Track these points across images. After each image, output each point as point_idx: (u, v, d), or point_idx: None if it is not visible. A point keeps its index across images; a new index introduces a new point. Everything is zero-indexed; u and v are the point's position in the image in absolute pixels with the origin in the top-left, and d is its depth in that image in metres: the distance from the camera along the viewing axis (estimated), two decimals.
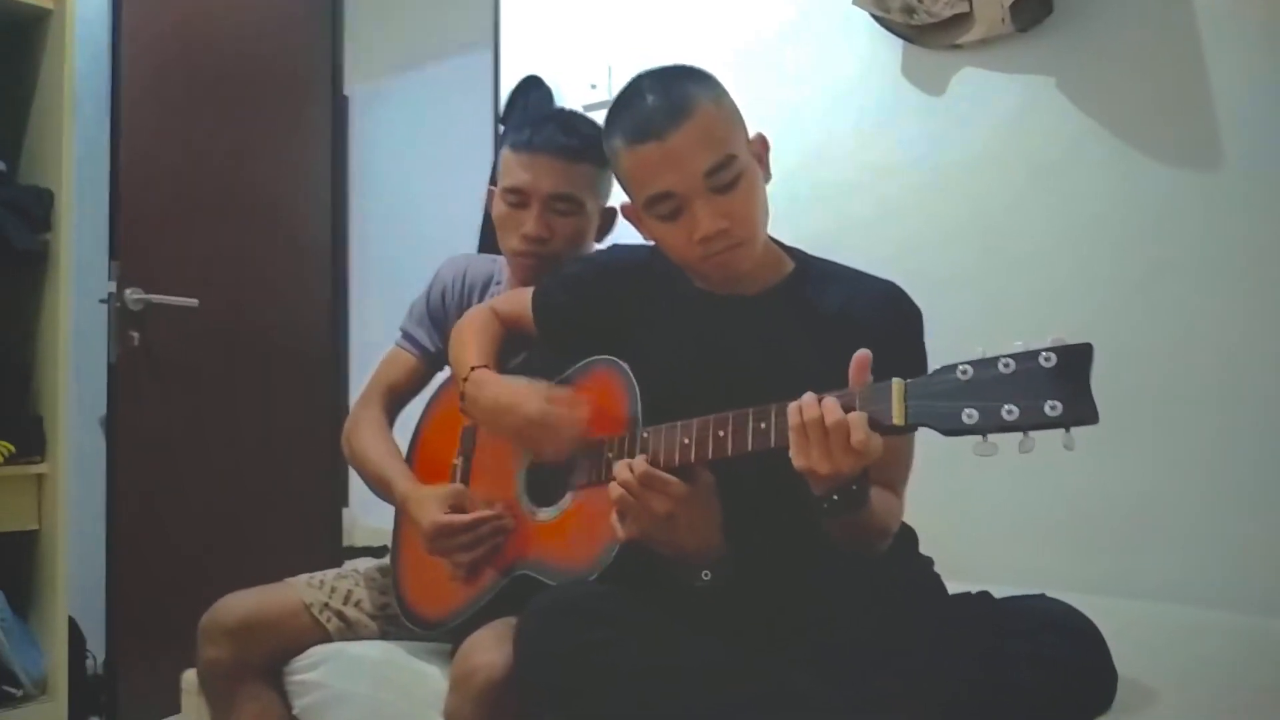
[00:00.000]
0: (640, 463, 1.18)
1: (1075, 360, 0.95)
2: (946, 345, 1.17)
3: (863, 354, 1.06)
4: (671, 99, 1.25)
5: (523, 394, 1.35)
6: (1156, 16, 1.89)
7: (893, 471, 1.29)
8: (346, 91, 3.48)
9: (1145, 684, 1.32)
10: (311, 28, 3.06)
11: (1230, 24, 1.83)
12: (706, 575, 1.23)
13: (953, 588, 1.29)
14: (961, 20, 2.06)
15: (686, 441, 1.20)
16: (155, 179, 2.63)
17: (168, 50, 2.66)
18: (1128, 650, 1.25)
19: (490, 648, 1.25)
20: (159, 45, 2.63)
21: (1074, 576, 1.80)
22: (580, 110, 2.54)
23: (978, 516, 1.96)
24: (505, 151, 1.63)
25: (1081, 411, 0.92)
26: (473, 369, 1.42)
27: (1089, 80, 1.96)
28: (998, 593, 1.22)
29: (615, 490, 1.19)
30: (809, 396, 1.06)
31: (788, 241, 1.44)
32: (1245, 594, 1.73)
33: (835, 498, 1.11)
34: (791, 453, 1.06)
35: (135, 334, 2.53)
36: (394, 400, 1.72)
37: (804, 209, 2.08)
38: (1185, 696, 1.30)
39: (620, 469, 1.19)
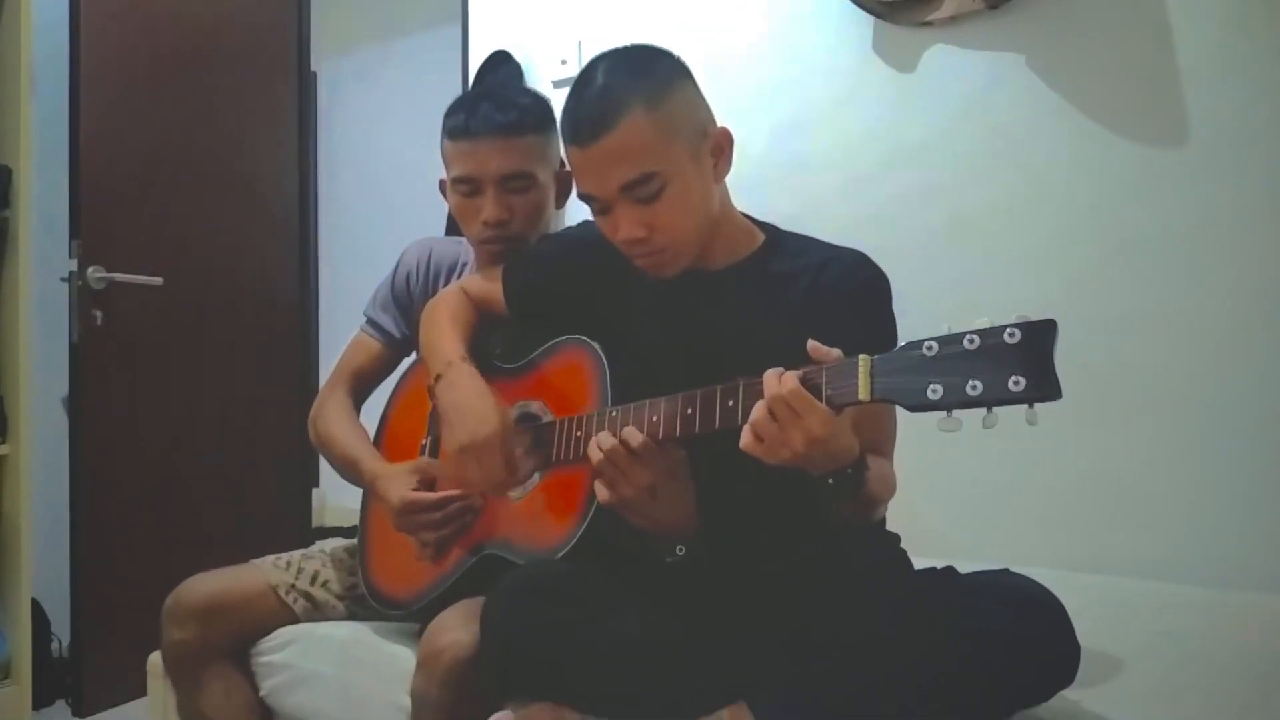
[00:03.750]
0: (633, 431, 1.18)
1: (1039, 337, 0.95)
2: (915, 320, 1.17)
3: (815, 346, 1.07)
4: (603, 102, 1.23)
5: (487, 413, 1.33)
6: None
7: (881, 437, 1.30)
8: (314, 67, 3.44)
9: (1110, 656, 1.34)
10: (277, 2, 3.01)
11: (1198, 1, 1.83)
12: (680, 550, 1.24)
13: (919, 564, 1.30)
14: None
15: (655, 419, 1.20)
16: (117, 156, 2.58)
17: (128, 25, 2.61)
18: (1093, 624, 1.28)
19: (457, 627, 1.24)
20: (119, 20, 2.58)
21: (1040, 552, 1.81)
22: (551, 86, 2.54)
23: (945, 493, 1.97)
24: (445, 141, 1.58)
25: (1044, 388, 0.93)
26: (450, 363, 1.40)
27: (1058, 57, 1.97)
28: (963, 568, 1.23)
29: (595, 455, 1.19)
30: (769, 378, 1.06)
31: (754, 212, 1.43)
32: (1208, 568, 1.75)
33: (831, 481, 1.11)
34: (746, 442, 1.07)
35: (98, 313, 2.49)
36: (360, 385, 1.70)
37: (775, 184, 2.08)
38: (1148, 668, 1.32)
39: (604, 437, 1.19)
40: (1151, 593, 1.67)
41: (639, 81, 1.24)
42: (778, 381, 1.06)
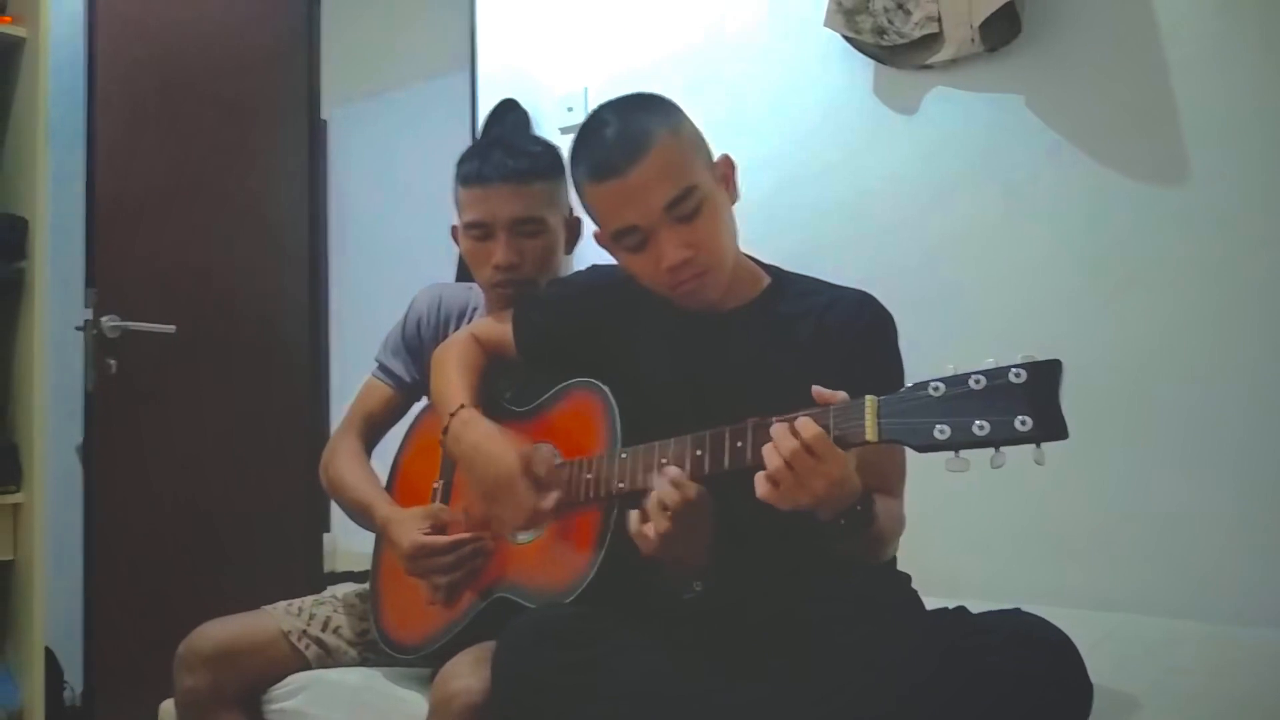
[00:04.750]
0: (686, 481, 1.17)
1: (1045, 376, 0.96)
2: (921, 362, 1.19)
3: (819, 391, 1.08)
4: (630, 134, 1.26)
5: (502, 450, 1.34)
6: (1121, 34, 1.93)
7: (890, 477, 1.30)
8: (324, 115, 3.49)
9: (1122, 694, 1.34)
10: (288, 52, 3.06)
11: (1193, 40, 1.87)
12: (698, 586, 1.24)
13: (930, 604, 1.30)
14: (932, 40, 2.10)
15: (664, 461, 1.21)
16: (131, 205, 2.62)
17: (142, 76, 2.65)
18: (1104, 662, 1.27)
19: (468, 672, 1.24)
20: (134, 72, 2.63)
21: (1049, 590, 1.81)
22: (559, 133, 2.58)
23: (955, 532, 1.97)
24: (458, 187, 1.61)
25: (1051, 427, 0.94)
26: (461, 407, 1.41)
27: (1057, 98, 1.99)
28: (974, 608, 1.23)
29: (664, 489, 1.17)
30: (780, 430, 1.07)
31: (762, 255, 1.45)
32: (1218, 605, 1.74)
33: (843, 521, 1.12)
34: (763, 491, 1.07)
35: (112, 361, 2.52)
36: (371, 430, 1.71)
37: (780, 228, 2.10)
38: (1160, 705, 1.31)
39: (662, 483, 1.17)
40: (1163, 630, 1.66)
41: (654, 115, 1.29)
42: (788, 433, 1.06)
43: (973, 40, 2.03)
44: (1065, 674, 1.05)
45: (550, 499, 1.32)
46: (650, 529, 1.17)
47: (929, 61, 2.11)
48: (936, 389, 1.01)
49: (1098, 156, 1.95)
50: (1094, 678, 1.09)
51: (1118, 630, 1.64)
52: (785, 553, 1.25)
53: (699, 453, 1.19)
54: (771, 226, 1.98)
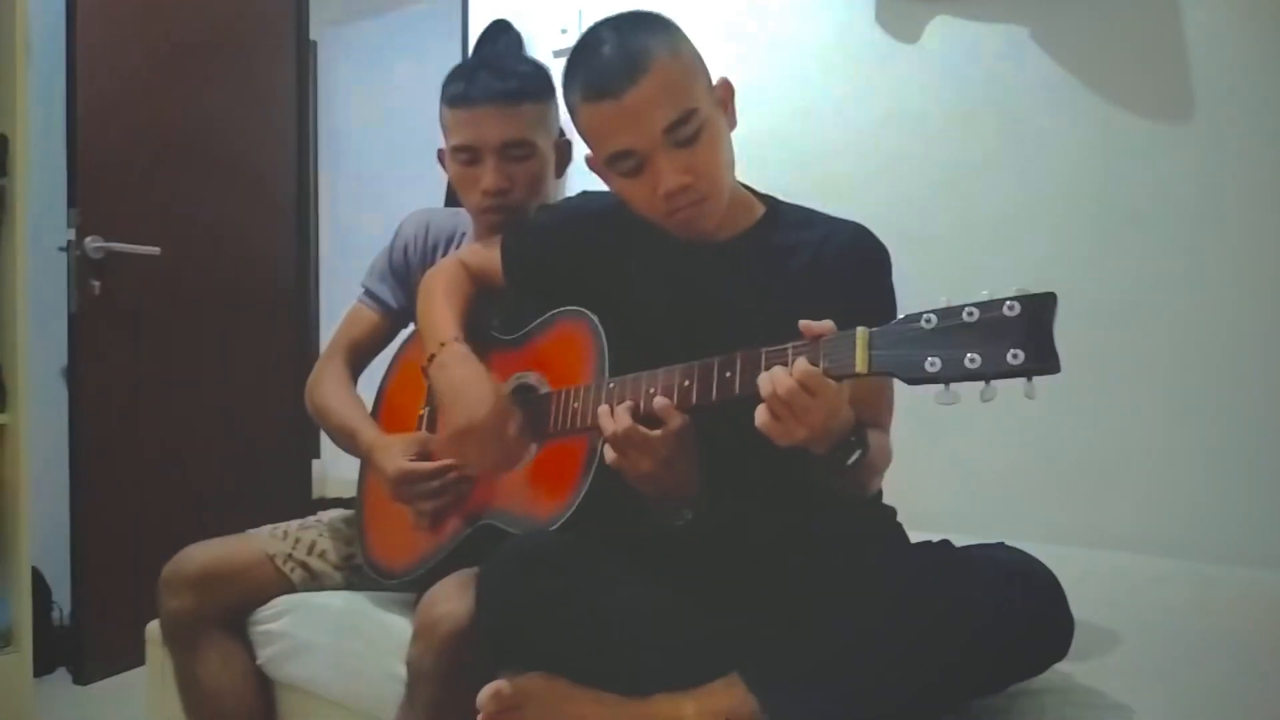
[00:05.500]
0: (624, 418, 1.17)
1: (1039, 309, 0.94)
2: (915, 291, 1.17)
3: (806, 325, 1.06)
4: (628, 53, 1.21)
5: (482, 394, 1.31)
6: None
7: (878, 409, 1.30)
8: (313, 36, 3.41)
9: (1105, 630, 1.35)
10: None
11: None
12: (688, 514, 1.24)
13: (915, 538, 1.30)
14: None
15: (652, 391, 1.19)
16: (114, 125, 2.56)
17: None
18: (1090, 598, 1.28)
19: (453, 597, 1.24)
20: None
21: (1037, 526, 1.82)
22: (551, 55, 2.52)
23: (942, 467, 1.97)
24: (444, 109, 1.56)
25: (1044, 360, 0.92)
26: (444, 343, 1.38)
27: (1062, 30, 1.95)
28: (959, 543, 1.23)
29: (606, 423, 1.18)
30: (778, 370, 1.05)
31: (763, 187, 1.42)
32: (1204, 542, 1.76)
33: (841, 454, 1.11)
34: (763, 421, 1.06)
35: (96, 283, 2.48)
36: (357, 356, 1.69)
37: (777, 156, 2.07)
38: (1142, 643, 1.32)
39: (605, 422, 1.18)
40: (1148, 568, 1.67)
41: (653, 34, 1.24)
42: (784, 373, 1.04)
43: None
44: (1047, 608, 1.05)
45: (525, 455, 1.31)
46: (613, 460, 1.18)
47: None
48: (929, 321, 0.99)
49: (1102, 91, 1.91)
50: (1078, 613, 1.09)
51: (1104, 567, 1.65)
52: (774, 483, 1.25)
53: (687, 383, 1.17)
54: (769, 154, 1.94)
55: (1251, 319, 1.78)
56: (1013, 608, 1.03)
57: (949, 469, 1.99)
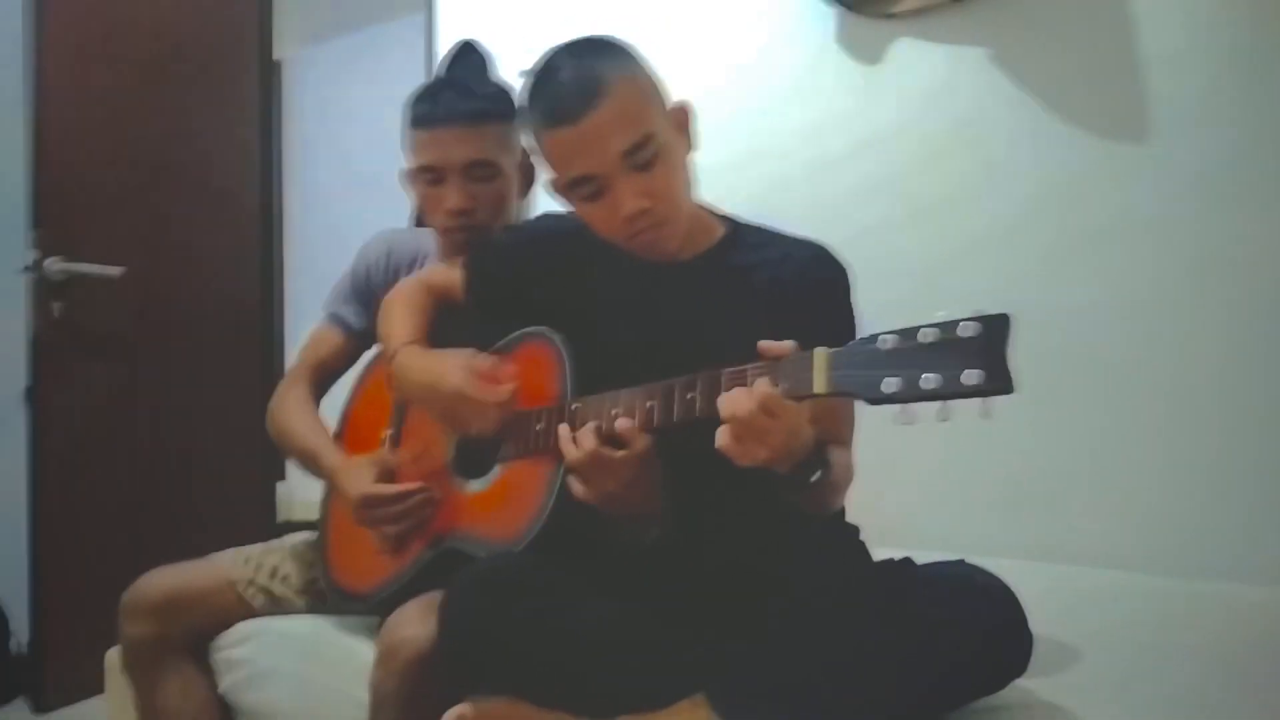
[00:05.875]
0: (589, 440, 1.17)
1: (994, 331, 0.95)
2: (876, 309, 1.19)
3: (764, 346, 1.07)
4: (585, 79, 1.22)
5: (446, 367, 1.34)
6: None
7: (840, 427, 1.30)
8: (279, 56, 3.40)
9: (1066, 645, 1.36)
10: None
11: None
12: (652, 533, 1.24)
13: (880, 555, 1.31)
14: None
15: (615, 412, 1.20)
16: (77, 145, 2.54)
17: (89, 11, 2.56)
18: (1051, 613, 1.29)
19: (416, 621, 1.24)
20: (81, 6, 2.54)
21: (1000, 541, 1.84)
22: (519, 76, 2.52)
23: (906, 484, 1.98)
24: (408, 130, 1.57)
25: (998, 381, 0.93)
26: (397, 349, 1.40)
27: (1020, 51, 1.98)
28: (922, 559, 1.24)
29: (572, 453, 1.18)
30: (738, 392, 1.06)
31: (724, 205, 1.43)
32: (1164, 557, 1.77)
33: (797, 473, 1.12)
34: (723, 442, 1.06)
35: (57, 304, 2.45)
36: (320, 378, 1.69)
37: (738, 177, 2.07)
38: (1103, 657, 1.33)
39: (567, 447, 1.18)
40: (1109, 582, 1.69)
41: (609, 60, 1.25)
42: (745, 394, 1.05)
43: None
44: (1005, 625, 1.06)
45: (505, 389, 1.32)
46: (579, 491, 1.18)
47: (894, 10, 2.08)
48: (886, 341, 1.00)
49: (1061, 110, 1.94)
50: (1039, 628, 1.10)
51: (1066, 582, 1.67)
52: (738, 502, 1.25)
53: (650, 404, 1.18)
54: (730, 174, 1.95)
55: (1209, 336, 1.80)
56: (972, 625, 1.04)
57: (913, 485, 2.01)
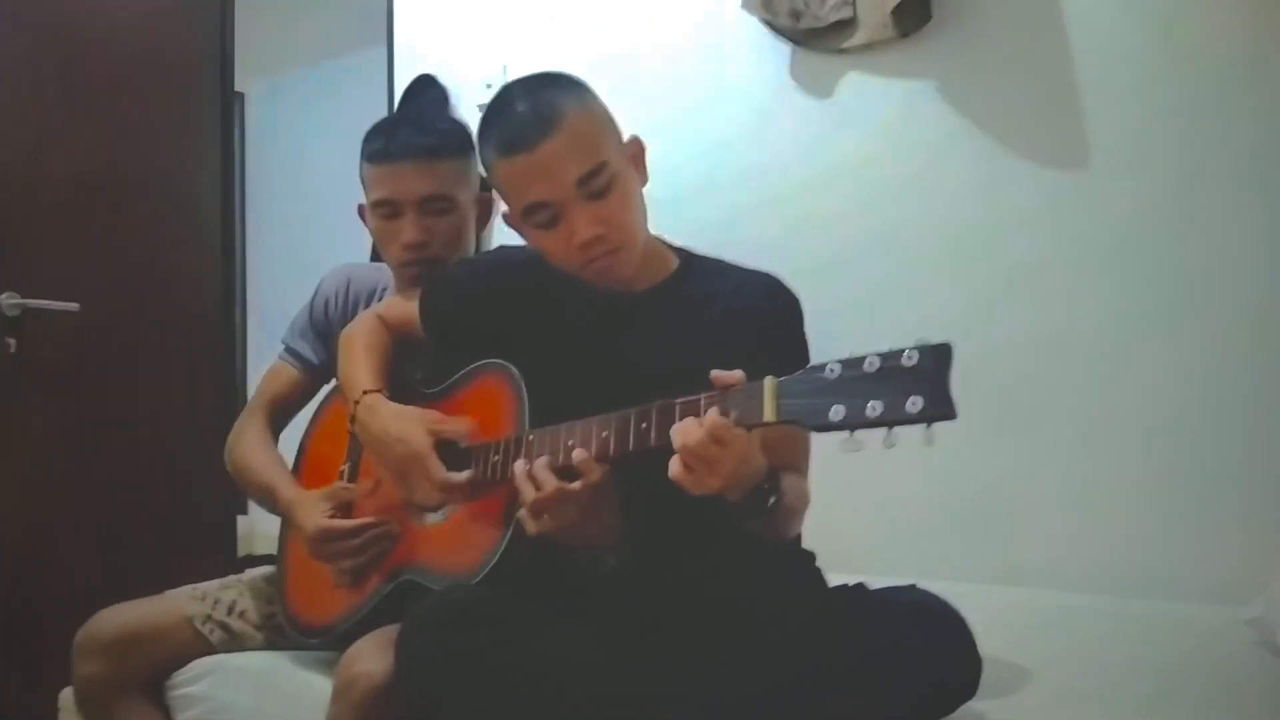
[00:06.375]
0: (549, 478, 1.18)
1: (936, 359, 0.97)
2: (828, 344, 1.20)
3: (717, 375, 1.09)
4: (540, 109, 1.25)
5: (408, 430, 1.34)
6: (1028, 22, 1.97)
7: (794, 454, 1.32)
8: (242, 88, 3.39)
9: (1017, 666, 1.38)
10: (199, 20, 2.96)
11: (1097, 30, 1.91)
12: (611, 562, 1.25)
13: (835, 580, 1.33)
14: (847, 25, 2.12)
15: (570, 444, 1.21)
16: (30, 178, 2.51)
17: (44, 43, 2.55)
18: (1003, 635, 1.32)
19: (372, 656, 1.23)
20: (34, 38, 2.53)
21: (955, 565, 1.86)
22: (477, 110, 2.54)
23: (862, 509, 2.00)
24: (364, 165, 1.59)
25: (940, 408, 0.95)
26: (365, 393, 1.41)
27: (966, 84, 2.03)
28: (877, 584, 1.26)
29: (527, 490, 1.19)
30: (689, 422, 1.08)
31: (678, 238, 1.46)
32: (1116, 578, 1.81)
33: (750, 501, 1.13)
34: (675, 472, 1.08)
35: (11, 340, 2.43)
36: (277, 413, 1.69)
37: (690, 210, 2.10)
38: (1053, 678, 1.35)
39: (524, 486, 1.19)
40: (1061, 604, 1.72)
41: (564, 92, 1.28)
42: (694, 424, 1.07)
43: (886, 25, 2.06)
44: (953, 647, 1.08)
45: (463, 474, 1.31)
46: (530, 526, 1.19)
47: (844, 46, 2.13)
48: (832, 371, 1.02)
49: (1005, 141, 1.99)
50: (990, 650, 1.12)
51: (1017, 604, 1.69)
52: (695, 530, 1.26)
53: (605, 434, 1.19)
54: (682, 208, 1.99)
55: (1154, 363, 1.85)
56: (921, 649, 1.05)
57: (869, 511, 2.03)
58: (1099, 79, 1.91)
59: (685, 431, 1.07)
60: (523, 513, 1.20)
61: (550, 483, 1.18)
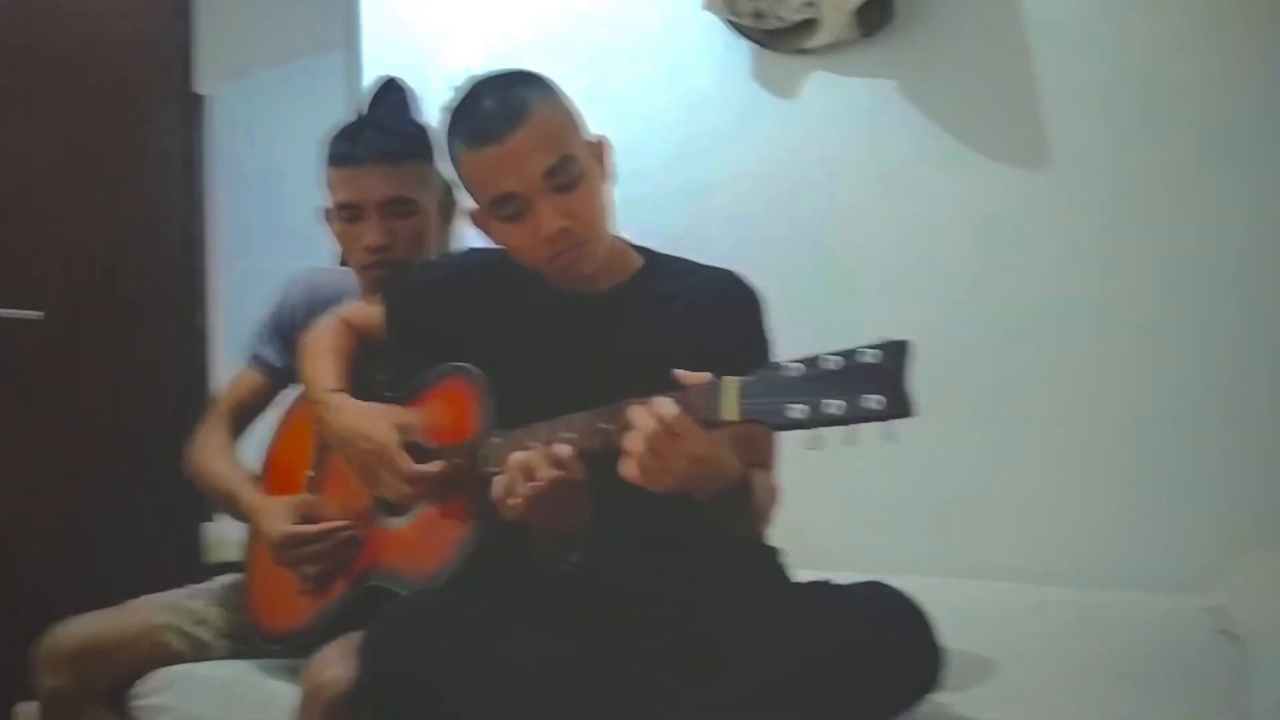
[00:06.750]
0: (572, 461, 1.16)
1: (894, 357, 0.98)
2: (792, 342, 1.21)
3: (681, 374, 1.09)
4: (508, 103, 1.26)
5: (373, 425, 1.33)
6: (989, 22, 1.99)
7: (762, 451, 1.32)
8: (206, 90, 3.36)
9: (983, 659, 1.39)
10: (159, 21, 2.93)
11: (1057, 28, 1.93)
12: (575, 557, 1.24)
13: (805, 576, 1.33)
14: (810, 25, 2.13)
15: (534, 447, 1.20)
16: None
17: (2, 48, 2.52)
18: (968, 628, 1.33)
19: (338, 661, 1.23)
20: None
21: (922, 560, 1.88)
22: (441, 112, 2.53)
23: (831, 505, 2.01)
24: (328, 168, 1.58)
25: (898, 405, 0.96)
26: (324, 395, 1.40)
27: (928, 84, 2.05)
28: (845, 579, 1.26)
29: (501, 481, 1.17)
30: (641, 411, 1.08)
31: (644, 238, 1.46)
32: (1075, 570, 1.83)
33: (724, 501, 1.13)
34: (626, 468, 1.08)
35: None
36: (239, 419, 1.69)
37: (656, 210, 2.10)
38: (1018, 670, 1.37)
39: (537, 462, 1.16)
40: (1026, 596, 1.73)
41: (531, 87, 1.30)
42: (647, 414, 1.07)
43: (849, 25, 2.07)
44: (915, 641, 1.09)
45: (432, 464, 1.31)
46: (512, 498, 1.16)
47: (807, 46, 2.14)
48: (792, 369, 1.03)
49: (968, 141, 2.01)
50: (955, 643, 1.13)
51: (982, 597, 1.71)
52: (660, 527, 1.26)
53: (569, 435, 1.19)
54: (647, 208, 1.98)
55: (1113, 359, 1.87)
56: (881, 644, 1.06)
57: (838, 507, 2.04)
58: (1060, 77, 1.93)
59: (639, 420, 1.07)
60: (502, 496, 1.17)
61: (545, 472, 1.15)
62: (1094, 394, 1.89)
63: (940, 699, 1.17)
